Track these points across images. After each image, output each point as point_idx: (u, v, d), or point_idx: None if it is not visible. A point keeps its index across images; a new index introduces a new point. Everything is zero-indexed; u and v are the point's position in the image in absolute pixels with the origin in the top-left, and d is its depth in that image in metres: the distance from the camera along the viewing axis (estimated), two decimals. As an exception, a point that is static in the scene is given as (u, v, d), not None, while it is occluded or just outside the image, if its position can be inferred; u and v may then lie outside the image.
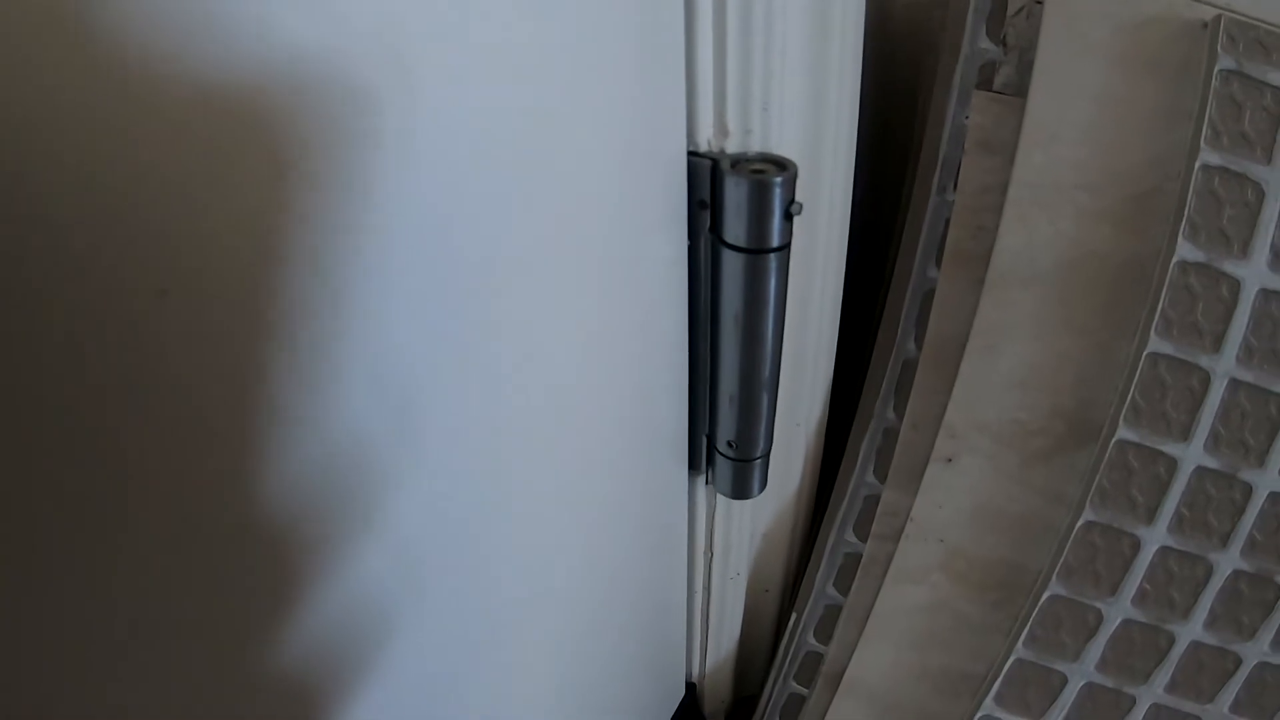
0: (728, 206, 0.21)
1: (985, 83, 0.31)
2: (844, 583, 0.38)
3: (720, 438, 0.28)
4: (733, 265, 0.22)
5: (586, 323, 0.23)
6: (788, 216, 0.21)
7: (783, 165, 0.21)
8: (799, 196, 0.22)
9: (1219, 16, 0.27)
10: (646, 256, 0.22)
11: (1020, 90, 0.30)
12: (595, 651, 0.33)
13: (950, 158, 0.31)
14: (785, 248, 0.22)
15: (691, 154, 0.21)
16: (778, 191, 0.21)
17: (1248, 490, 0.29)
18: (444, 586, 0.23)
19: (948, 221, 0.31)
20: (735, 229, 0.21)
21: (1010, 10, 0.32)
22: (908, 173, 0.36)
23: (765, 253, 0.21)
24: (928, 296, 0.32)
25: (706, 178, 0.21)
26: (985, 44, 0.32)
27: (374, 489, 0.19)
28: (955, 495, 0.32)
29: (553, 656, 0.30)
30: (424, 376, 0.19)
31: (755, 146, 0.22)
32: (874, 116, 0.39)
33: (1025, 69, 0.30)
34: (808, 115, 0.23)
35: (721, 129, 0.21)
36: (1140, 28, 0.28)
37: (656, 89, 0.20)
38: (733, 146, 0.22)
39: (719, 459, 0.29)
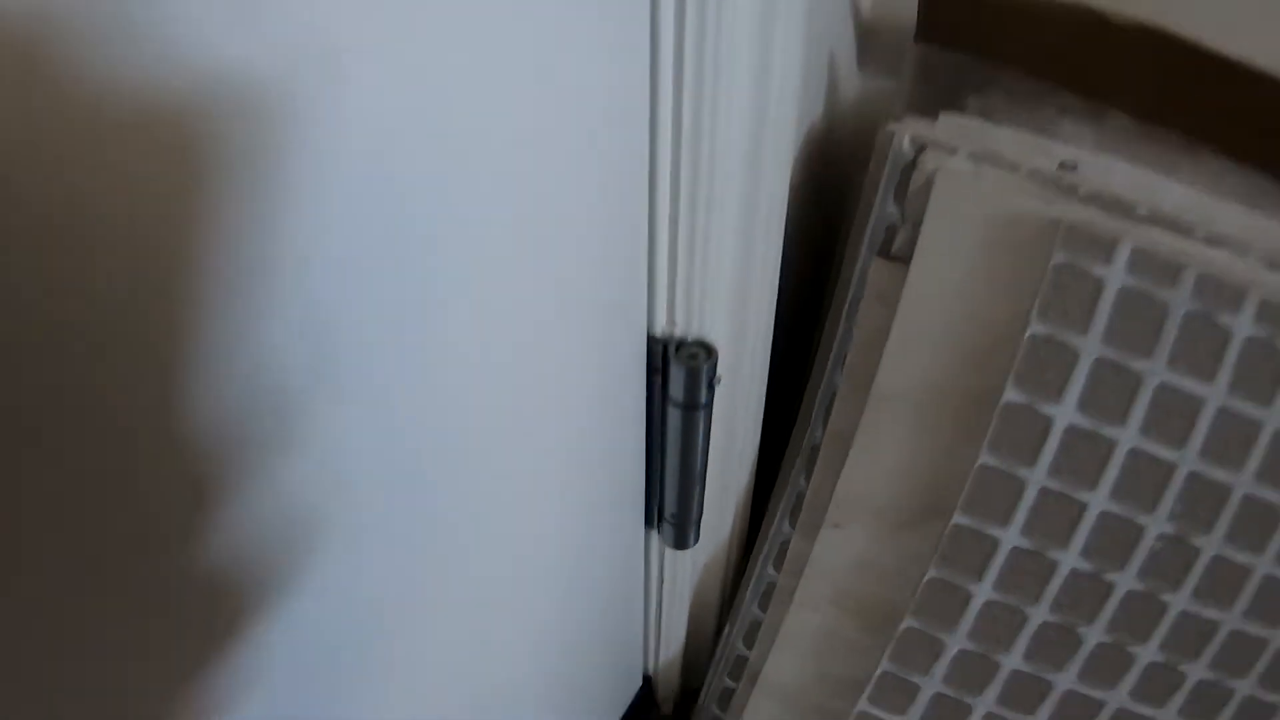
0: (672, 378, 0.30)
1: (888, 242, 0.40)
2: (764, 604, 0.49)
3: (666, 509, 0.38)
4: (674, 415, 0.31)
5: (569, 437, 0.32)
6: (710, 386, 0.30)
7: (710, 350, 0.30)
8: (723, 365, 0.31)
9: (1061, 220, 0.36)
10: (618, 401, 0.32)
11: (909, 256, 0.39)
12: (565, 643, 0.44)
13: (857, 296, 0.41)
14: (710, 404, 0.31)
15: (650, 337, 0.30)
16: (704, 372, 0.30)
17: (1054, 565, 0.39)
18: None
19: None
20: (676, 392, 0.30)
21: (913, 184, 0.41)
22: (826, 289, 0.45)
23: (696, 409, 0.31)
24: (832, 398, 0.42)
25: (659, 353, 0.31)
26: (892, 208, 0.40)
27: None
28: (842, 550, 0.42)
29: (522, 639, 0.40)
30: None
31: (693, 333, 0.31)
32: (817, 213, 0.48)
33: (915, 239, 0.39)
34: (734, 310, 0.32)
35: (670, 322, 0.30)
36: (1005, 219, 0.37)
37: (629, 299, 0.29)
38: (677, 333, 0.31)
39: (664, 522, 0.39)
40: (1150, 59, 0.44)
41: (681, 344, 0.31)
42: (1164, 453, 0.37)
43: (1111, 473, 0.37)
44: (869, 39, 0.52)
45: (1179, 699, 0.43)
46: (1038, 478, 0.38)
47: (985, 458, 0.38)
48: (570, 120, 0.25)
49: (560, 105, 0.24)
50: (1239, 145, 0.44)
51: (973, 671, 0.43)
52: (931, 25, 0.45)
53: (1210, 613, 0.41)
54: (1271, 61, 0.41)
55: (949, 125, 0.41)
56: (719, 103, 0.27)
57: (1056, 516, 0.38)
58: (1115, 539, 0.39)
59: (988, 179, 0.38)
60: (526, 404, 0.29)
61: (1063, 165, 0.41)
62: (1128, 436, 0.37)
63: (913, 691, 0.44)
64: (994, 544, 0.39)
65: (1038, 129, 0.43)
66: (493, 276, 0.25)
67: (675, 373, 0.30)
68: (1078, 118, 0.45)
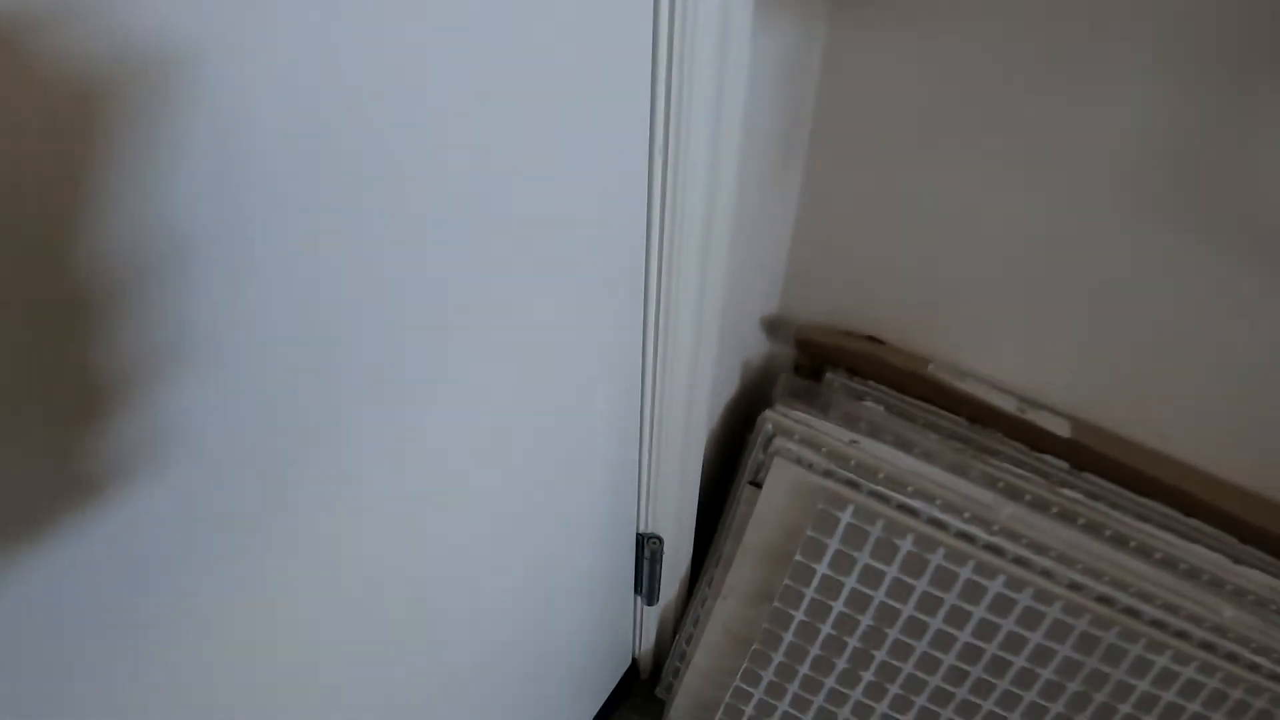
0: (645, 550, 0.76)
1: (755, 473, 0.84)
2: (694, 625, 0.95)
3: (642, 588, 0.84)
4: (646, 563, 0.77)
5: (595, 568, 0.78)
6: (660, 556, 0.76)
7: (660, 540, 0.75)
8: (667, 546, 0.76)
9: (825, 488, 0.80)
10: (622, 558, 0.77)
11: (763, 484, 0.83)
12: (590, 641, 0.91)
13: (738, 501, 0.85)
14: (661, 559, 0.76)
15: (637, 533, 0.76)
16: (659, 552, 0.75)
17: (819, 630, 0.84)
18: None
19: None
20: (645, 556, 0.76)
21: (769, 449, 0.84)
22: (729, 491, 0.90)
23: (656, 562, 0.76)
24: (725, 542, 0.87)
25: (641, 539, 0.76)
26: (760, 456, 0.84)
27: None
28: (727, 608, 0.88)
29: (566, 640, 0.87)
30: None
31: (654, 530, 0.76)
32: (731, 448, 0.93)
33: (766, 478, 0.83)
34: (673, 521, 0.77)
35: (645, 524, 0.76)
36: (804, 482, 0.81)
37: (630, 514, 0.74)
38: (649, 530, 0.76)
39: (642, 593, 0.85)
40: (910, 379, 0.86)
41: (649, 536, 0.75)
42: (868, 591, 0.81)
43: (845, 594, 0.82)
44: (773, 327, 0.95)
45: (914, 711, 0.88)
46: (810, 593, 0.82)
47: (788, 581, 0.82)
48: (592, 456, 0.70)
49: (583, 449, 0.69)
50: (959, 428, 0.87)
51: (787, 673, 0.89)
52: (800, 354, 0.89)
53: (902, 664, 0.85)
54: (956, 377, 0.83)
55: (795, 417, 0.84)
56: (666, 437, 0.72)
57: (820, 611, 0.83)
58: (849, 622, 0.83)
59: (806, 458, 0.82)
60: (559, 557, 0.75)
61: (851, 442, 0.84)
62: (850, 581, 0.81)
63: (759, 679, 0.90)
64: (791, 617, 0.84)
65: (847, 411, 0.86)
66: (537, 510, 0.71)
67: (646, 551, 0.74)
68: (873, 402, 0.88)
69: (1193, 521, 0.88)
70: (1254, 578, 0.84)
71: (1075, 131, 0.66)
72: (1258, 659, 0.82)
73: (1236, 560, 0.85)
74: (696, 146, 0.53)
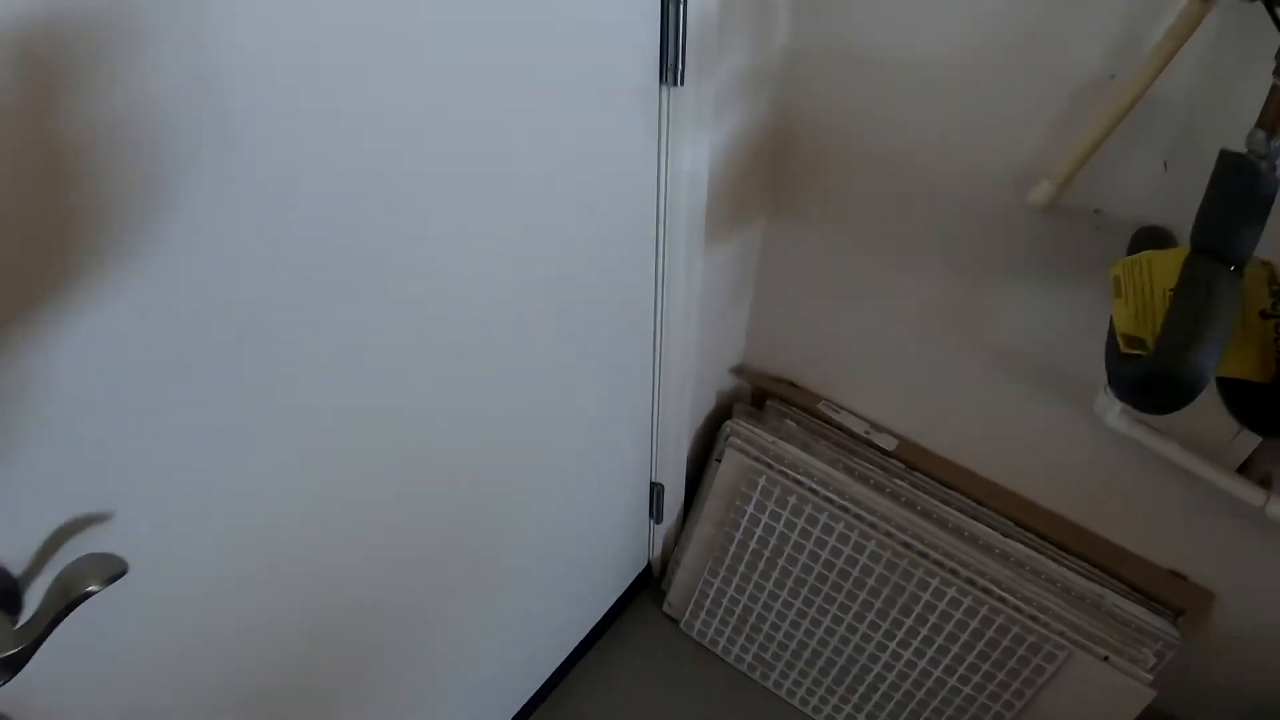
0: (654, 491, 1.47)
1: (720, 454, 1.54)
2: (685, 541, 1.66)
3: (652, 513, 1.55)
4: (655, 500, 1.48)
5: (622, 500, 1.50)
6: (663, 494, 1.47)
7: (663, 486, 1.46)
8: (667, 489, 1.47)
9: (754, 466, 1.50)
10: (640, 496, 1.48)
11: (721, 461, 1.53)
12: (619, 549, 1.63)
13: (705, 473, 1.55)
14: (664, 494, 1.47)
15: (651, 481, 1.47)
16: (663, 492, 1.46)
17: (749, 543, 1.54)
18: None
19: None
20: (656, 495, 1.47)
21: (728, 444, 1.54)
22: (705, 465, 1.60)
23: (662, 497, 1.47)
24: (705, 488, 1.58)
25: (653, 486, 1.47)
26: (723, 446, 1.54)
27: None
28: (702, 531, 1.59)
29: (600, 551, 1.60)
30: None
31: (660, 480, 1.48)
32: (709, 438, 1.64)
33: (723, 460, 1.52)
34: (669, 473, 1.48)
35: (655, 476, 1.47)
36: (744, 463, 1.51)
37: (645, 467, 1.46)
38: (656, 480, 1.47)
39: (652, 515, 1.57)
40: (811, 410, 1.55)
41: (657, 483, 1.43)
42: (773, 524, 1.50)
43: (761, 525, 1.51)
44: (737, 372, 1.65)
45: (803, 594, 1.56)
46: (744, 523, 1.52)
47: (731, 515, 1.52)
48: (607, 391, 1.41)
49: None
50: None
51: (732, 570, 1.58)
52: (752, 389, 1.58)
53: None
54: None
55: (743, 425, 1.54)
56: (667, 424, 1.44)
57: (749, 534, 1.52)
58: (765, 539, 1.52)
59: (745, 449, 1.51)
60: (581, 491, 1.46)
61: (773, 442, 1.53)
62: (764, 518, 1.50)
63: (718, 573, 1.60)
64: (733, 537, 1.54)
65: (775, 425, 1.55)
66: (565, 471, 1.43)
67: (655, 492, 1.42)
68: (791, 421, 1.56)
69: (983, 509, 1.52)
70: (1017, 549, 1.48)
71: (897, 283, 1.32)
72: (1005, 594, 1.45)
73: (1006, 535, 1.49)
74: (676, 303, 1.24)
